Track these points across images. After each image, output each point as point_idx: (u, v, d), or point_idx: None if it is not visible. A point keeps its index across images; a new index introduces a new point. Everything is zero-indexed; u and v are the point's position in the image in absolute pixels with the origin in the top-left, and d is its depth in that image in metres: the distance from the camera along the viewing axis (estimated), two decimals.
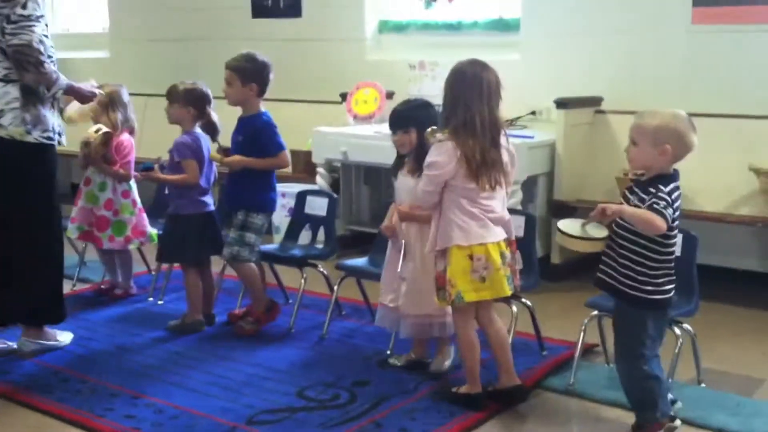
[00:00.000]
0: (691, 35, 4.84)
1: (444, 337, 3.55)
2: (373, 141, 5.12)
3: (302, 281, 4.14)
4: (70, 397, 3.32)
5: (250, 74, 3.93)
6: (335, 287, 4.06)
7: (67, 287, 4.75)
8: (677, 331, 3.27)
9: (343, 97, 5.76)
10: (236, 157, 3.94)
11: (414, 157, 3.43)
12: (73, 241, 4.80)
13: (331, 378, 3.50)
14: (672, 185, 2.80)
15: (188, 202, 4.06)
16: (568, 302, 4.42)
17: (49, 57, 3.58)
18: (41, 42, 3.52)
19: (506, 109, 5.29)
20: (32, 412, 3.25)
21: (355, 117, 5.66)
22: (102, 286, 4.69)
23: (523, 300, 3.68)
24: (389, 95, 5.77)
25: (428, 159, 3.13)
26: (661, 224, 2.71)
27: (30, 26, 3.52)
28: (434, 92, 5.49)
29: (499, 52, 5.56)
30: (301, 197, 4.44)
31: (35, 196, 3.69)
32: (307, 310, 4.30)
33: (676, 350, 3.27)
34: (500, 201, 3.19)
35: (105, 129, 4.37)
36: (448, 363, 3.57)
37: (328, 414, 3.17)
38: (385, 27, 6.14)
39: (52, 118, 3.69)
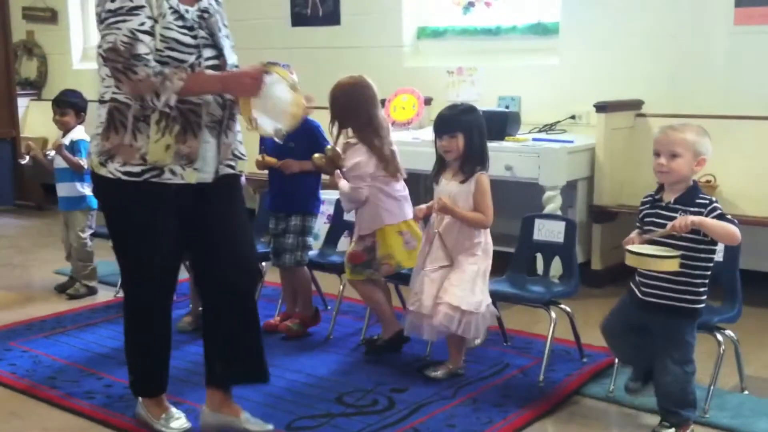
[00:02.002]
0: (734, 36, 4.77)
1: (460, 341, 3.54)
2: (411, 147, 5.12)
3: (341, 288, 4.16)
4: (113, 403, 3.37)
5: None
6: None
7: (110, 294, 4.87)
8: (720, 337, 3.23)
9: (382, 103, 5.76)
10: (291, 161, 3.98)
11: (459, 163, 3.43)
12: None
13: (370, 384, 3.51)
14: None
15: None
16: (608, 309, 4.36)
17: (160, 58, 2.78)
18: (134, 39, 2.73)
19: (546, 114, 5.36)
20: (76, 416, 3.31)
21: (394, 123, 5.67)
22: None
23: (563, 306, 3.65)
24: (427, 101, 5.78)
25: (350, 162, 3.71)
26: (739, 233, 2.83)
27: (116, 23, 2.75)
28: (473, 97, 5.50)
29: (538, 56, 5.55)
30: (339, 204, 4.46)
31: (117, 239, 3.05)
32: (346, 317, 4.32)
33: (719, 357, 3.22)
34: (403, 184, 3.81)
35: None
36: (461, 370, 3.58)
37: (366, 420, 3.18)
38: (423, 33, 6.15)
39: (148, 145, 2.82)
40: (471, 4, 5.94)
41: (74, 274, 4.98)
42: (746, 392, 3.39)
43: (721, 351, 3.22)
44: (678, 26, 4.96)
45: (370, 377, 3.59)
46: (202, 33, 2.90)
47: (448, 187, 3.46)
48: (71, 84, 6.08)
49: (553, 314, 3.57)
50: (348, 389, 3.47)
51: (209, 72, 2.88)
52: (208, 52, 2.92)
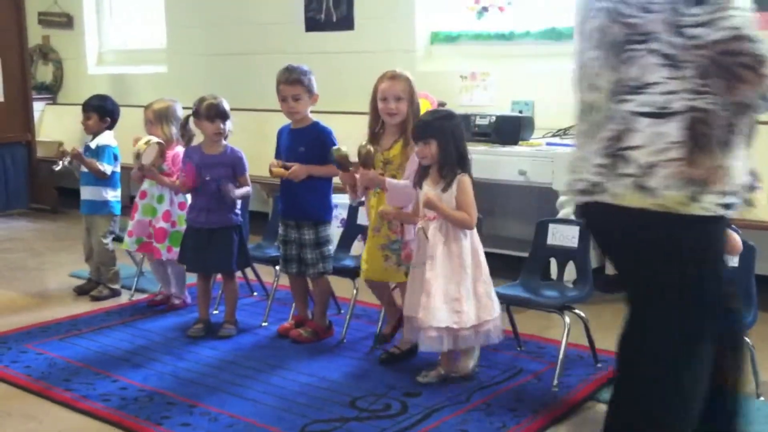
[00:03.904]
0: None
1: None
2: None
3: (354, 291, 4.17)
4: (128, 405, 3.39)
5: (311, 86, 4.01)
6: None
7: (125, 297, 4.89)
8: None
9: None
10: (299, 166, 3.96)
11: (437, 169, 3.44)
12: (132, 253, 4.91)
13: (383, 388, 3.52)
14: None
15: (234, 213, 4.18)
16: (622, 314, 4.34)
17: None
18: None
19: (559, 118, 5.35)
20: (91, 418, 3.32)
21: None
22: (157, 297, 4.77)
23: (577, 311, 3.65)
24: (440, 106, 5.77)
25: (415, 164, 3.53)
26: None
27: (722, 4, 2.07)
28: (485, 102, 5.51)
29: (552, 61, 5.54)
30: (352, 209, 4.47)
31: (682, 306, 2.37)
32: (359, 321, 4.33)
33: None
34: None
35: (156, 140, 4.40)
36: (472, 364, 3.56)
37: (379, 424, 3.18)
38: (436, 38, 6.15)
39: (733, 164, 2.18)
40: (485, 9, 5.95)
41: (94, 277, 5.00)
42: (762, 398, 3.37)
43: None
44: None
45: (383, 381, 3.59)
46: None
47: (428, 192, 3.45)
48: (86, 88, 6.13)
49: (567, 319, 3.57)
50: (361, 393, 3.47)
51: None
52: None
